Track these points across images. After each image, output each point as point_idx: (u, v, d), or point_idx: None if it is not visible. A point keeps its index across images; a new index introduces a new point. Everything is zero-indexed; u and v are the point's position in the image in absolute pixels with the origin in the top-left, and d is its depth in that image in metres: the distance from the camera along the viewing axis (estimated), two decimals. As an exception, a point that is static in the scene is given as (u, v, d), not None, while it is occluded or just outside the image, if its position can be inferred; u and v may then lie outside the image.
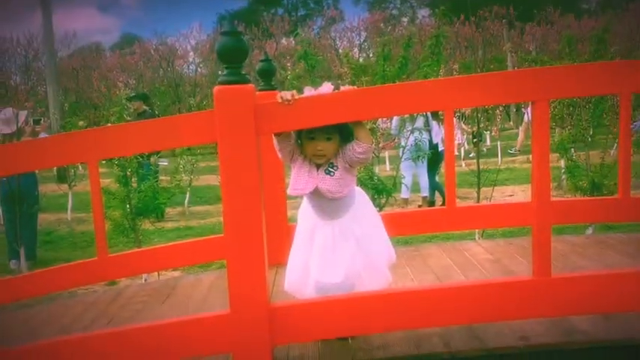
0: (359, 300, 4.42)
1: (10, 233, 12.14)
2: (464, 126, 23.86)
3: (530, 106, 4.67)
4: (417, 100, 4.36)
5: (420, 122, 13.46)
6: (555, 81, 4.15)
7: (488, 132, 27.54)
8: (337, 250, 4.56)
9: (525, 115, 25.04)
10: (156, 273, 9.38)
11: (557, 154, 13.54)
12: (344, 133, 4.45)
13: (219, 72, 4.58)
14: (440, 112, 13.97)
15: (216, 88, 4.18)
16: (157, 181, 11.77)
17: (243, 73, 4.42)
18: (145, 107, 17.87)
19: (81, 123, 18.11)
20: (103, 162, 10.15)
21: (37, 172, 12.88)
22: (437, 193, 16.40)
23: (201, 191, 20.17)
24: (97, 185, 5.86)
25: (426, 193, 16.31)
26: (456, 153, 20.20)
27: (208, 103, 29.82)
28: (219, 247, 6.21)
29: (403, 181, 13.16)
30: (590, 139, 12.74)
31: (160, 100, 36.47)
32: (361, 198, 4.78)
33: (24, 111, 13.46)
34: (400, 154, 11.83)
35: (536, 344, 4.47)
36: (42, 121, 15.30)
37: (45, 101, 31.40)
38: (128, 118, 13.37)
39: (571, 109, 13.51)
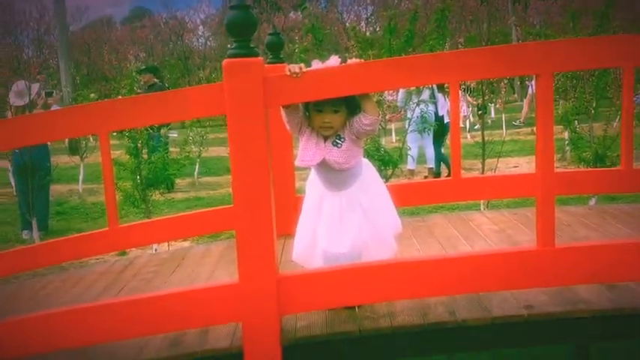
0: (366, 270, 4.45)
1: (23, 204, 12.23)
2: (469, 98, 23.85)
3: (534, 79, 4.71)
4: (422, 73, 4.40)
5: (425, 95, 13.56)
6: (559, 54, 4.18)
7: (493, 104, 27.51)
8: (344, 220, 4.62)
9: (529, 88, 25.10)
10: (166, 243, 9.47)
11: (561, 126, 13.56)
12: (351, 105, 4.49)
13: (229, 45, 4.61)
14: (445, 85, 14.00)
15: (225, 61, 4.20)
16: (167, 152, 11.81)
17: (252, 46, 4.46)
18: (155, 80, 17.92)
19: (92, 95, 18.10)
20: (114, 134, 10.22)
21: (49, 144, 12.91)
22: (442, 165, 16.44)
23: (210, 162, 20.21)
24: (108, 157, 5.93)
25: (431, 164, 16.35)
26: (462, 125, 20.21)
27: (217, 75, 29.80)
28: (229, 217, 6.27)
29: (409, 152, 13.22)
30: (593, 112, 12.76)
31: (170, 72, 36.51)
32: (368, 169, 4.83)
33: (36, 83, 13.51)
34: (406, 126, 11.88)
35: (540, 313, 4.50)
36: (54, 94, 15.32)
37: (57, 74, 31.49)
38: (138, 91, 13.40)
39: (574, 81, 13.52)
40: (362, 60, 4.57)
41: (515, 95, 35.25)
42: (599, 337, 5.06)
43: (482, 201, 10.25)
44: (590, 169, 10.30)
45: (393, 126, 21.49)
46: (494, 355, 6.58)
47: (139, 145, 10.07)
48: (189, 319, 4.44)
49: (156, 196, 11.02)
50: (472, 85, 22.02)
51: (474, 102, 23.93)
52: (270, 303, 4.28)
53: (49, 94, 14.17)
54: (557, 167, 4.46)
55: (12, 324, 4.53)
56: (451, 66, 4.33)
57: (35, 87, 13.11)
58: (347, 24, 36.92)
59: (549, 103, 4.21)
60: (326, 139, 4.54)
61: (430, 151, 16.23)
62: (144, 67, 19.68)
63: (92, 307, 4.67)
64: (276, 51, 6.84)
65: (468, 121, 24.83)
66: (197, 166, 18.05)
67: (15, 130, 4.68)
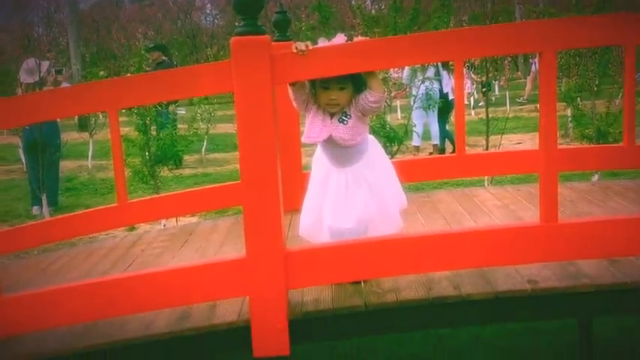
0: (371, 245, 4.49)
1: (33, 180, 12.31)
2: (473, 76, 23.82)
3: (537, 56, 4.74)
4: (427, 51, 4.43)
5: (430, 72, 13.61)
6: (562, 32, 4.20)
7: (497, 82, 27.53)
8: (350, 196, 4.66)
9: (533, 66, 25.10)
10: (174, 219, 9.53)
11: (564, 103, 13.59)
12: (357, 82, 4.52)
13: (236, 23, 4.64)
14: (450, 63, 14.01)
15: (233, 39, 4.23)
16: (175, 129, 11.87)
17: (259, 24, 4.49)
18: (163, 57, 17.99)
19: (101, 73, 18.14)
20: (123, 111, 10.26)
21: (58, 120, 12.97)
22: (447, 141, 16.47)
23: (218, 139, 20.26)
24: (117, 133, 5.97)
25: (436, 140, 16.39)
26: (466, 102, 20.23)
27: (225, 53, 29.77)
28: (236, 193, 6.31)
29: (414, 129, 13.25)
30: (596, 89, 12.76)
31: (178, 50, 36.53)
32: (373, 146, 4.86)
33: (46, 61, 13.57)
34: (411, 103, 11.92)
35: (543, 288, 4.52)
36: (64, 71, 15.35)
37: (66, 52, 31.53)
38: (147, 69, 13.43)
39: (577, 59, 13.51)
40: (368, 38, 4.60)
41: (519, 73, 35.19)
42: (601, 312, 5.12)
43: (486, 177, 10.30)
44: (593, 145, 10.33)
45: (398, 103, 21.52)
46: (498, 329, 6.66)
47: (147, 122, 10.12)
48: (197, 294, 4.49)
49: (164, 172, 11.10)
50: (476, 62, 22.01)
51: (478, 79, 23.93)
52: (277, 278, 4.32)
53: (58, 72, 14.23)
54: (560, 144, 4.49)
55: (22, 299, 4.59)
56: (455, 44, 4.36)
57: (45, 65, 13.18)
58: (353, 2, 36.79)
59: (552, 80, 4.24)
60: (332, 115, 4.58)
61: (435, 128, 16.28)
62: (152, 45, 19.71)
63: (101, 282, 4.73)
64: (283, 29, 6.86)
65: (472, 98, 24.82)
66: (205, 143, 18.10)
67: (26, 107, 4.72)
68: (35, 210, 12.68)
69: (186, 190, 8.05)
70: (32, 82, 12.61)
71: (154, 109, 10.32)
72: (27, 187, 13.54)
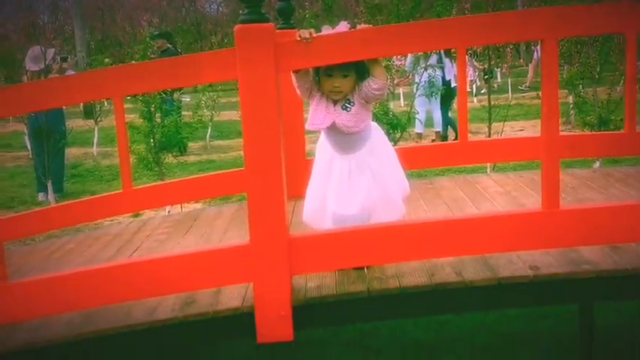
0: (374, 231, 4.52)
1: (39, 167, 12.32)
2: (475, 63, 23.81)
3: (539, 44, 4.76)
4: (430, 38, 4.46)
5: (433, 59, 13.62)
6: (564, 20, 4.23)
7: (499, 69, 27.49)
8: (353, 182, 4.69)
9: (535, 53, 25.08)
10: (178, 205, 9.56)
11: (566, 91, 13.60)
12: (360, 70, 4.54)
13: (240, 11, 4.67)
14: (452, 50, 14.04)
15: (237, 26, 4.26)
16: (179, 116, 11.89)
17: (263, 12, 4.52)
18: (168, 45, 18.01)
19: (106, 60, 18.20)
20: (128, 98, 10.29)
21: (64, 108, 12.98)
22: (449, 128, 16.48)
23: (222, 126, 20.29)
24: (122, 120, 5.99)
25: (439, 128, 16.40)
26: (468, 89, 20.26)
27: (229, 41, 29.74)
28: (240, 180, 6.34)
29: (417, 116, 13.29)
30: (597, 76, 12.78)
31: (183, 38, 36.54)
32: (377, 133, 4.88)
33: (51, 49, 13.57)
34: (414, 90, 11.93)
35: (545, 274, 4.54)
36: (69, 59, 15.33)
37: (72, 39, 31.57)
38: (152, 56, 13.45)
39: (579, 47, 13.54)
40: (371, 26, 4.62)
41: (521, 60, 35.13)
42: (602, 298, 5.15)
43: (488, 164, 10.32)
44: (595, 132, 10.35)
45: (401, 90, 21.51)
46: (500, 315, 6.70)
47: (152, 109, 10.16)
48: (202, 280, 4.53)
49: (169, 159, 11.12)
50: (478, 50, 22.00)
51: (480, 67, 23.92)
52: (281, 264, 4.35)
53: (64, 59, 14.18)
54: (561, 131, 4.51)
55: (27, 285, 4.63)
56: (458, 31, 4.39)
57: (50, 52, 13.17)
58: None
59: (554, 67, 4.26)
60: (335, 103, 4.60)
61: (437, 116, 16.28)
62: (157, 32, 19.72)
63: (106, 268, 4.76)
64: (287, 17, 6.88)
65: (474, 85, 24.81)
66: (209, 130, 18.11)
67: (32, 94, 4.74)
68: (41, 196, 12.73)
69: (191, 176, 8.07)
70: (38, 70, 12.61)
71: (158, 96, 10.34)
72: (32, 173, 13.57)
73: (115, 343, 4.54)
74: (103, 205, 6.35)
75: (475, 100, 21.94)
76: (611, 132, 9.49)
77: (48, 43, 14.87)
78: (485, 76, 17.08)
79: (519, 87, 26.09)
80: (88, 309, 4.64)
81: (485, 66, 17.84)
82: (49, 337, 4.50)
